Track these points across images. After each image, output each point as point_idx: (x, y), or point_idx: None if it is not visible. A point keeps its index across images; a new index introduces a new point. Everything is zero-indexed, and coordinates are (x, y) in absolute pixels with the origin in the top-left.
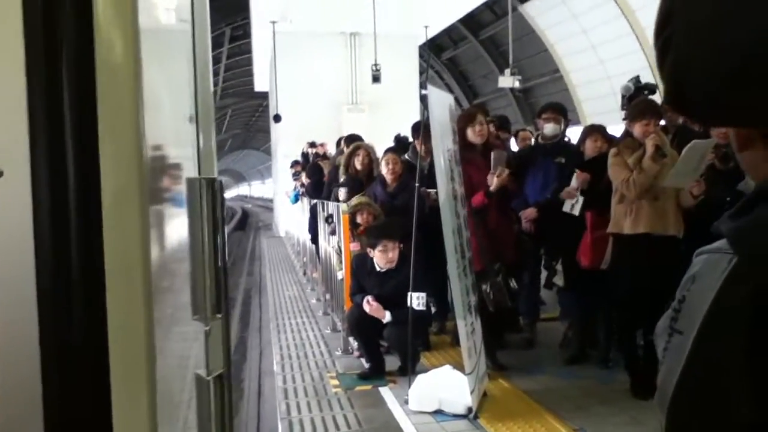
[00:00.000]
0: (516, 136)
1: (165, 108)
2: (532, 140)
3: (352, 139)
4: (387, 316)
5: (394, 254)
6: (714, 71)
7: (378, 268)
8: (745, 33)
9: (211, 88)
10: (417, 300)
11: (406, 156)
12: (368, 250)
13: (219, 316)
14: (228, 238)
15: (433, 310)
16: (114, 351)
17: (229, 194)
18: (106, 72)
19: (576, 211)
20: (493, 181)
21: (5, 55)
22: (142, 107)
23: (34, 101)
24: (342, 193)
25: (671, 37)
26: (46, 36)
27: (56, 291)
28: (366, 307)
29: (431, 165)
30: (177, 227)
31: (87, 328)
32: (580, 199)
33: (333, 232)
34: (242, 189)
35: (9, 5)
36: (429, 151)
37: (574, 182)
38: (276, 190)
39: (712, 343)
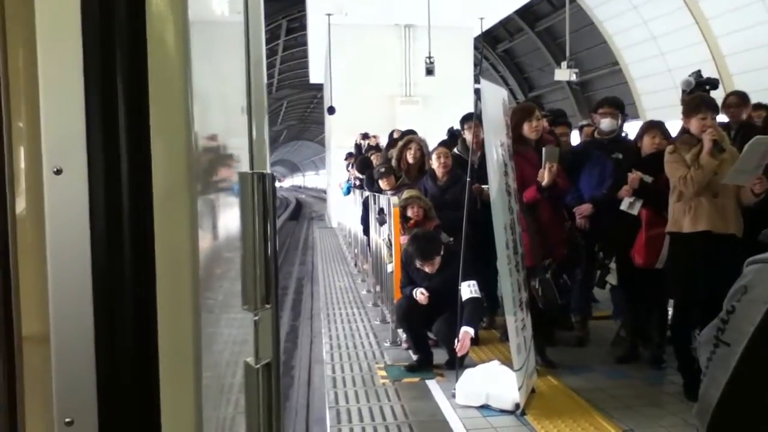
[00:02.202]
0: (581, 131)
1: (217, 102)
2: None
3: (407, 134)
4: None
5: (434, 264)
6: None
7: None
8: None
9: (265, 81)
10: (469, 288)
11: (456, 150)
12: None
13: (268, 306)
14: (282, 227)
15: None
16: (163, 337)
17: (284, 184)
18: (158, 70)
19: (635, 211)
20: (545, 177)
21: (66, 61)
22: (192, 103)
23: (91, 102)
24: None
25: None
26: (102, 39)
27: (111, 281)
28: (420, 298)
29: (482, 159)
30: (227, 219)
31: (139, 317)
32: (640, 200)
33: (382, 223)
34: (296, 179)
35: (70, 8)
36: (480, 145)
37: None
38: (329, 181)
39: (761, 358)
